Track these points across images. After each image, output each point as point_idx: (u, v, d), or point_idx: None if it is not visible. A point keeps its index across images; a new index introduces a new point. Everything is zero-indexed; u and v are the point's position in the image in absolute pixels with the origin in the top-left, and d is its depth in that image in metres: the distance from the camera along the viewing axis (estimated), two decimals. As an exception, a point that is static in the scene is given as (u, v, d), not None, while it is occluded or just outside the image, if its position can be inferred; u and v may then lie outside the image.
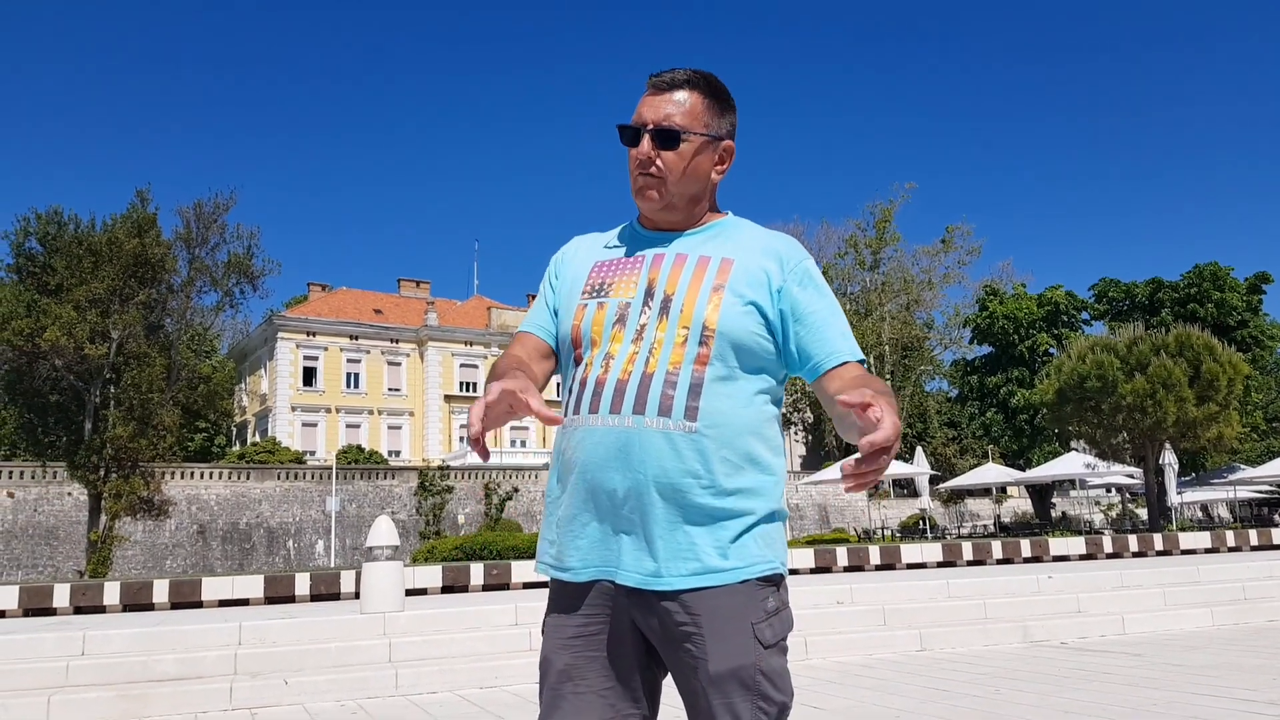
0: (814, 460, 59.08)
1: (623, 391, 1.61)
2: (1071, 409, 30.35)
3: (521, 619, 7.65)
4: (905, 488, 47.99)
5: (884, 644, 7.44)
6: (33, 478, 36.93)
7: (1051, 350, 46.22)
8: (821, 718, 4.83)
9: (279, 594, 13.58)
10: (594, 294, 1.72)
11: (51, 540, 37.28)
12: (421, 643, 7.00)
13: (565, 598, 1.65)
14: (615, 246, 1.79)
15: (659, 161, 1.68)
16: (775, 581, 1.62)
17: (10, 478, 37.09)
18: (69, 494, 36.89)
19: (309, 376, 59.98)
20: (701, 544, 1.57)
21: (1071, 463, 31.89)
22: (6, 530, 36.60)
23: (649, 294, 1.68)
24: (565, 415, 1.69)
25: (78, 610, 13.16)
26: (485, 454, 1.52)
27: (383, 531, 7.78)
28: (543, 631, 1.68)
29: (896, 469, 28.77)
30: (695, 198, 1.74)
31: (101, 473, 27.83)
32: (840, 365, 1.67)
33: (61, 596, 13.57)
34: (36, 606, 13.33)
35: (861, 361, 1.69)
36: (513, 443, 61.73)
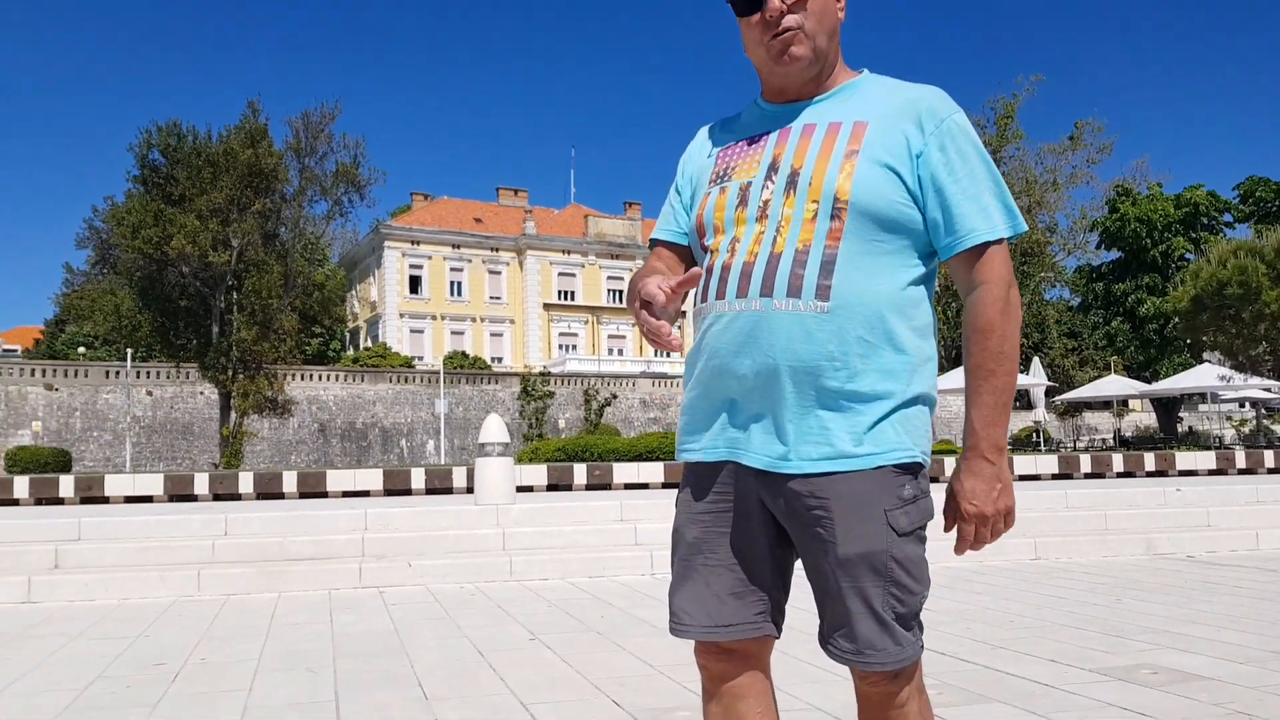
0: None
1: (749, 274, 1.57)
2: (1208, 317, 28.58)
3: (626, 515, 7.88)
4: (1019, 399, 46.63)
5: (996, 551, 7.36)
6: (168, 377, 39.74)
7: (1188, 255, 43.35)
8: (933, 619, 4.85)
9: (396, 487, 14.38)
10: (718, 180, 1.67)
11: (187, 435, 40.25)
12: (533, 534, 7.31)
13: (695, 476, 1.67)
14: (739, 129, 1.73)
15: (793, 13, 1.60)
16: (913, 469, 1.56)
17: (149, 377, 40.08)
18: (201, 393, 39.59)
19: (414, 284, 61.87)
20: (835, 428, 1.53)
21: (1204, 375, 30.23)
22: (148, 426, 39.70)
23: (772, 169, 1.61)
24: (695, 304, 1.67)
25: (216, 497, 14.26)
26: (676, 344, 1.59)
27: (494, 429, 8.08)
28: (676, 505, 1.72)
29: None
30: (824, 51, 1.65)
31: (229, 373, 29.70)
32: (974, 249, 1.56)
33: (202, 485, 14.71)
34: (180, 493, 14.49)
35: (1010, 238, 1.59)
36: (610, 350, 62.61)
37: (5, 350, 60.76)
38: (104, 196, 43.33)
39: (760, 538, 1.63)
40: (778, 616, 1.66)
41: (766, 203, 1.60)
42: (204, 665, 4.13)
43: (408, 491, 14.24)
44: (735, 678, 1.64)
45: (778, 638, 1.66)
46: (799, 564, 1.66)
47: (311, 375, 43.22)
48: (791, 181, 1.59)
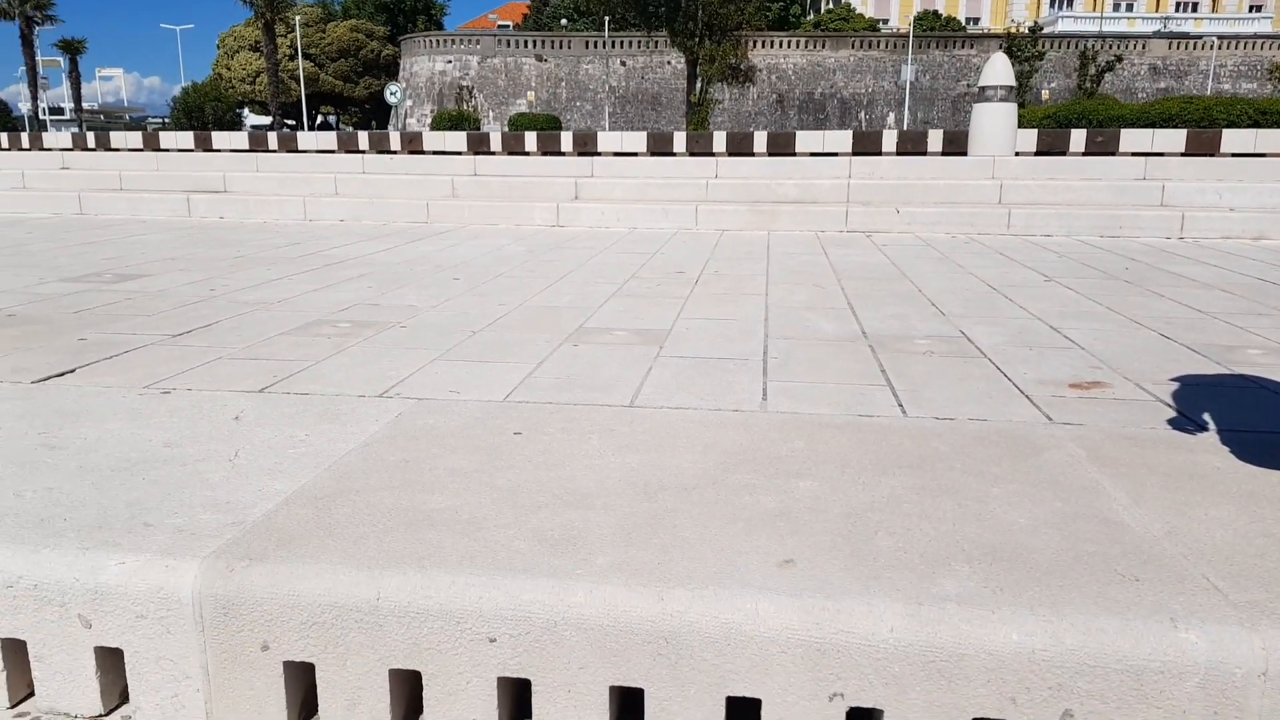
0: None
1: None
2: None
3: (1151, 174, 6.94)
4: None
5: None
6: (639, 47, 42.40)
7: None
8: None
9: (867, 149, 14.19)
10: None
11: (655, 106, 43.36)
12: (1034, 187, 6.79)
13: None
14: None
15: None
16: None
17: (622, 47, 43.14)
18: (668, 62, 41.84)
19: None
20: None
21: None
22: (621, 96, 43.41)
23: None
24: None
25: (692, 154, 15.36)
26: None
27: (999, 70, 7.37)
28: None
29: None
30: None
31: (697, 39, 30.75)
32: None
33: (680, 143, 15.87)
34: (660, 150, 15.83)
35: None
36: (1115, 6, 53.01)
37: (500, 26, 68.83)
38: None
39: None
40: None
41: None
42: (718, 275, 4.58)
43: (878, 153, 14.00)
44: None
45: None
46: None
47: (772, 42, 43.18)
48: None
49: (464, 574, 1.35)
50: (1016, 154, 10.93)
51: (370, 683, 1.34)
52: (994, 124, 7.28)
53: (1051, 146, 13.68)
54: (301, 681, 1.41)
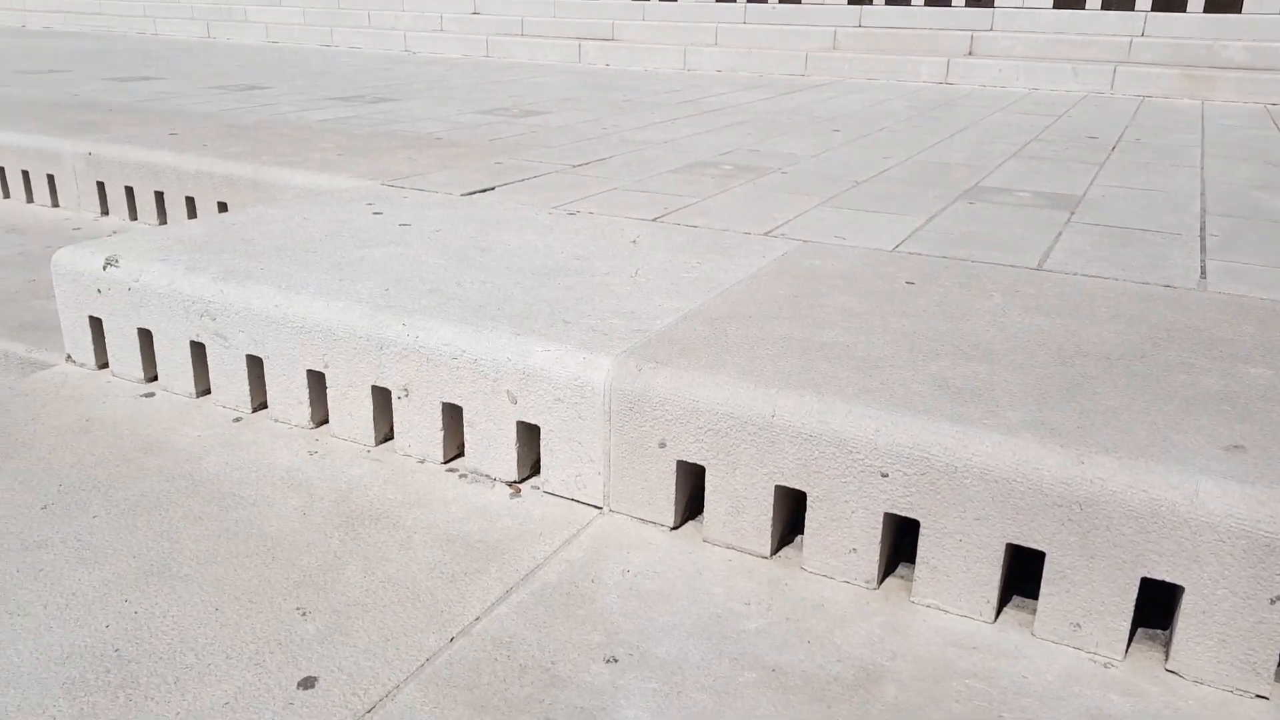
0: None
1: None
2: None
3: None
4: None
5: None
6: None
7: None
8: None
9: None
10: None
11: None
12: None
13: None
14: None
15: None
16: None
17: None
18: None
19: None
20: None
21: None
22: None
23: None
24: None
25: (1109, 8, 13.48)
26: None
27: None
28: None
29: None
30: None
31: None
32: None
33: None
34: (1069, 3, 14.07)
35: None
36: None
37: None
38: None
39: None
40: None
41: None
42: (1139, 143, 4.04)
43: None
44: None
45: None
46: None
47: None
48: None
49: (860, 405, 1.34)
50: None
51: (756, 494, 1.41)
52: None
53: None
54: (690, 481, 1.51)
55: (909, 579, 1.38)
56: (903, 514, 1.31)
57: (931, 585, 1.32)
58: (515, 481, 1.65)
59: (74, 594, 1.31)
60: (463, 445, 1.72)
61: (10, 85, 5.33)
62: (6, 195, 3.74)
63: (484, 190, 2.83)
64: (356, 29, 9.73)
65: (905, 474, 1.29)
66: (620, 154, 3.55)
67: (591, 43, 8.28)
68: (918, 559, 1.32)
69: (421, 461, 1.71)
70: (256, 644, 1.21)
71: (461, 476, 1.67)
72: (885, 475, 1.30)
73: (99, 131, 3.71)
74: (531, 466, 1.67)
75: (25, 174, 3.67)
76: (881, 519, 1.33)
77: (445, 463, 1.72)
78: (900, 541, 1.43)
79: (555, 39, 8.59)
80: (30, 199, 3.68)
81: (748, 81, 6.71)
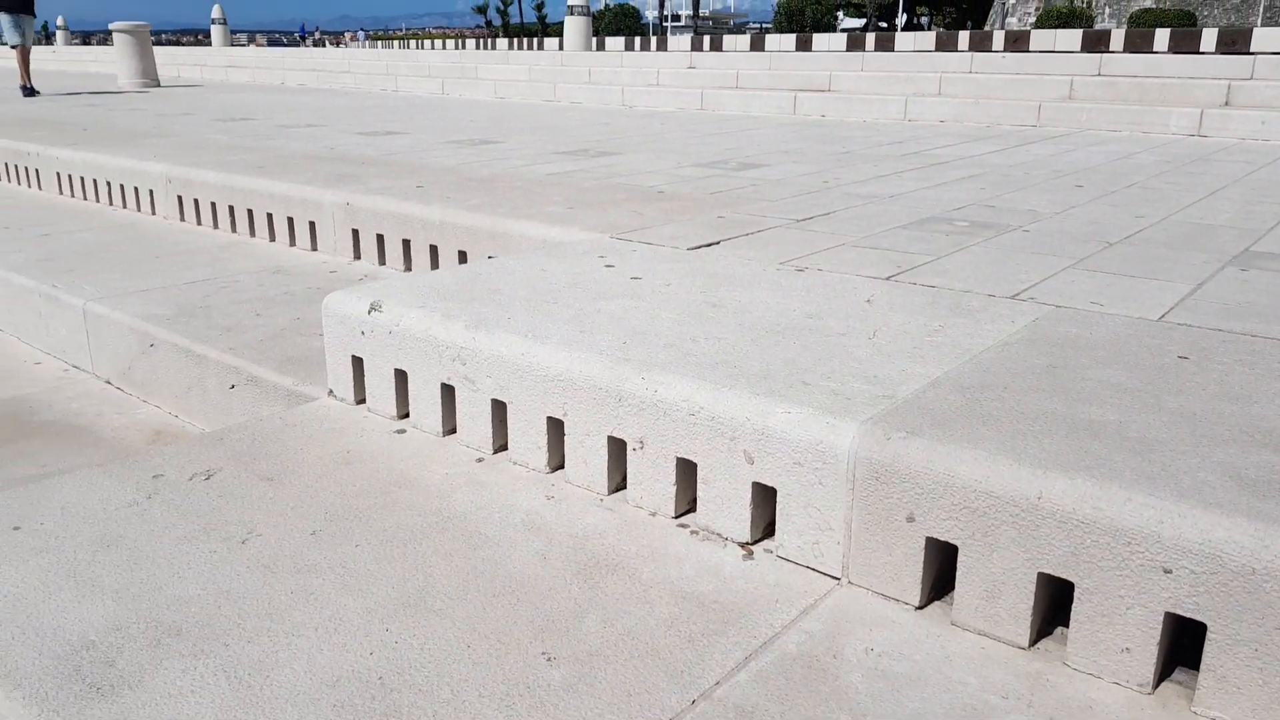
0: None
1: None
2: None
3: None
4: None
5: None
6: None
7: None
8: None
9: None
10: None
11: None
12: None
13: None
14: None
15: None
16: None
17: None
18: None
19: None
20: None
21: None
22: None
23: None
24: None
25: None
26: None
27: None
28: None
29: None
30: None
31: None
32: None
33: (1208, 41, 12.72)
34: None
35: None
36: None
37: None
38: None
39: None
40: None
41: None
42: None
43: None
44: None
45: None
46: None
47: None
48: None
49: (1140, 493, 1.25)
50: None
51: (1015, 579, 1.33)
52: None
53: None
54: (937, 559, 1.45)
55: (1185, 685, 1.26)
56: (1187, 615, 1.20)
57: (1219, 696, 1.20)
58: (748, 543, 1.65)
59: (341, 619, 1.42)
60: (694, 501, 1.73)
61: (275, 139, 5.97)
62: (273, 239, 4.17)
63: (709, 245, 2.88)
64: (577, 84, 10.25)
65: (1192, 572, 1.19)
66: (844, 208, 3.52)
67: (806, 94, 8.31)
68: (1202, 666, 1.21)
69: (653, 514, 1.74)
70: (506, 685, 1.26)
71: (693, 533, 1.68)
72: (1169, 571, 1.21)
73: (355, 183, 4.08)
74: (764, 529, 1.66)
75: (290, 220, 4.07)
76: (1162, 618, 1.22)
77: (676, 517, 1.74)
78: (1176, 643, 1.31)
79: (769, 90, 8.69)
80: (293, 243, 4.08)
81: (974, 132, 6.52)
